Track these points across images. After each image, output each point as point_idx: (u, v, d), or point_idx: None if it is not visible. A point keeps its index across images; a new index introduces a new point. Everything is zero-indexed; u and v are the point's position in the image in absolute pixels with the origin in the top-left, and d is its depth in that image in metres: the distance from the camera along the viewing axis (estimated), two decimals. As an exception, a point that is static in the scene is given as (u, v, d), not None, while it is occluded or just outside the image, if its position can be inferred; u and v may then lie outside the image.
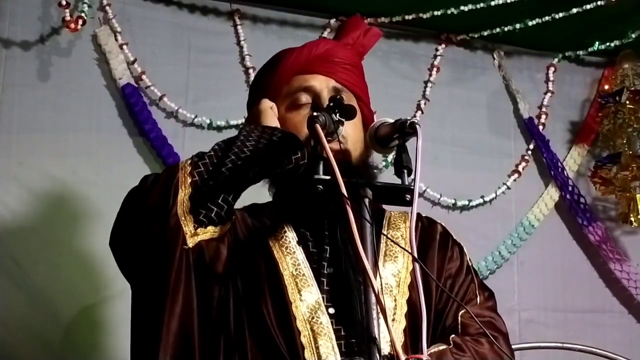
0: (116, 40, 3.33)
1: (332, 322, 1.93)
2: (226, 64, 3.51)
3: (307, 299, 1.95)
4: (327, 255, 2.02)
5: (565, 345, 3.63)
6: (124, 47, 3.33)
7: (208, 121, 3.39)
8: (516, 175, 3.91)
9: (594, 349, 3.65)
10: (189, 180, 1.88)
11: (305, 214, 2.08)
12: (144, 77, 3.34)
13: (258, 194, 2.14)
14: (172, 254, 1.84)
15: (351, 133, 2.04)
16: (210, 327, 1.90)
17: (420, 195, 3.61)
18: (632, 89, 3.96)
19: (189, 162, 1.93)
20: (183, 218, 1.85)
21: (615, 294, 4.01)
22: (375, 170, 2.15)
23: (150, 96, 3.35)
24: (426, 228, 2.18)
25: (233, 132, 3.31)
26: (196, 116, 3.38)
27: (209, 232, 1.87)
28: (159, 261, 1.85)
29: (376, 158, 2.15)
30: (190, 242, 1.85)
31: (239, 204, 1.99)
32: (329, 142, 1.75)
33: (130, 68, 3.33)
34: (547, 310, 3.82)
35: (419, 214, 2.19)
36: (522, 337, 3.64)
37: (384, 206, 2.17)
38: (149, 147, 3.29)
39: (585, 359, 3.64)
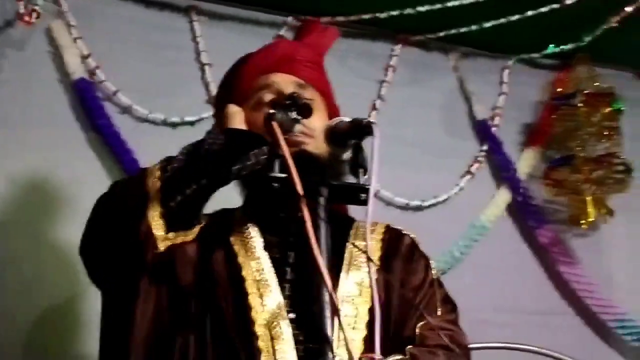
0: (70, 34, 3.29)
1: (292, 327, 1.94)
2: (182, 61, 3.49)
3: (268, 304, 1.96)
4: (291, 261, 2.03)
5: (515, 345, 3.66)
6: (78, 41, 3.28)
7: (163, 117, 3.36)
8: (469, 176, 3.93)
9: (543, 350, 3.68)
10: (158, 185, 1.89)
11: (272, 220, 2.09)
12: (98, 71, 3.29)
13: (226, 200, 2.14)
14: (144, 259, 1.86)
15: (317, 126, 2.04)
16: (180, 330, 1.92)
17: (374, 195, 3.60)
18: (586, 92, 4.00)
19: (157, 167, 1.93)
20: (154, 222, 1.85)
21: (564, 296, 4.05)
22: (344, 163, 2.15)
23: (104, 91, 3.31)
24: (393, 239, 2.20)
25: (188, 129, 3.32)
26: (151, 112, 3.35)
27: (179, 237, 1.89)
28: (131, 266, 1.88)
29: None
30: (162, 246, 1.86)
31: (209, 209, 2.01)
32: (286, 139, 1.76)
33: (85, 62, 3.29)
34: (498, 311, 3.84)
35: (388, 225, 2.23)
36: (473, 338, 3.64)
37: (355, 216, 2.20)
38: (102, 142, 3.26)
39: (534, 359, 3.68)
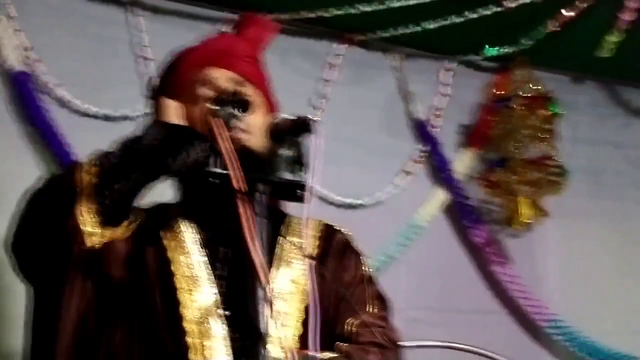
0: (9, 26, 3.24)
1: (224, 324, 1.94)
2: (122, 55, 3.46)
3: (199, 300, 1.96)
4: (223, 257, 2.03)
5: (448, 344, 3.71)
6: (18, 33, 3.24)
7: (102, 112, 3.34)
8: (407, 175, 3.96)
9: (475, 349, 3.75)
10: (90, 180, 1.88)
11: (206, 215, 2.08)
12: (37, 64, 3.25)
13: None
14: (71, 254, 1.86)
15: (256, 122, 2.04)
16: (108, 325, 1.92)
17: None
18: (524, 95, 4.04)
19: (90, 160, 1.93)
20: (82, 218, 1.85)
21: (497, 296, 4.11)
22: (280, 160, 2.15)
23: (42, 84, 3.27)
24: (327, 236, 2.20)
25: (127, 124, 3.29)
26: (90, 106, 3.32)
27: (108, 232, 1.88)
28: (59, 261, 1.87)
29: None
30: (89, 242, 1.86)
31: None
32: (226, 135, 1.76)
33: (23, 55, 3.24)
34: (432, 310, 3.89)
35: (322, 221, 2.23)
36: (407, 336, 3.66)
37: (287, 211, 2.20)
38: (39, 136, 3.22)
39: (467, 357, 3.73)
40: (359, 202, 3.82)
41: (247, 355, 1.86)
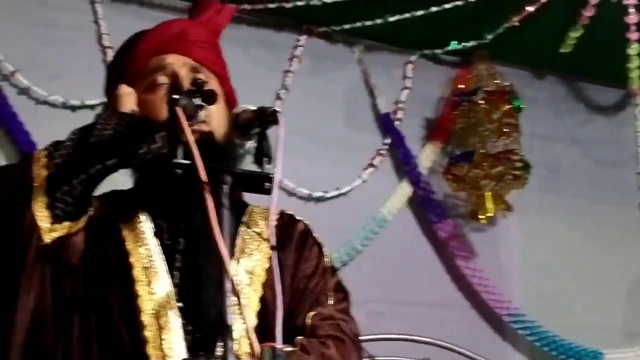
0: (-34, 13, 3.20)
1: (180, 317, 1.90)
2: (83, 42, 3.41)
3: (157, 292, 1.91)
4: (181, 248, 1.97)
5: (410, 337, 3.71)
6: (-26, 19, 3.20)
7: (62, 100, 3.30)
8: (372, 169, 3.95)
9: (437, 341, 3.74)
10: (44, 173, 1.82)
11: (163, 205, 2.02)
12: (-7, 51, 3.21)
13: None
14: (27, 251, 1.79)
15: (215, 112, 1.99)
16: (63, 321, 1.86)
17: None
18: (487, 89, 4.05)
19: (44, 153, 1.86)
20: (39, 213, 1.79)
21: (460, 289, 4.11)
22: (240, 149, 2.10)
23: (2, 71, 3.23)
24: (287, 225, 2.14)
25: (88, 112, 3.24)
26: (50, 94, 3.28)
27: (65, 227, 1.82)
28: (13, 259, 1.80)
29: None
30: (47, 238, 1.79)
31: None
32: (189, 126, 1.72)
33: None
34: (396, 303, 3.88)
35: (282, 211, 2.17)
36: (370, 329, 3.67)
37: (248, 201, 2.16)
38: (-3, 124, 3.17)
39: (429, 350, 3.73)
40: (323, 194, 3.82)
41: (204, 348, 1.84)
